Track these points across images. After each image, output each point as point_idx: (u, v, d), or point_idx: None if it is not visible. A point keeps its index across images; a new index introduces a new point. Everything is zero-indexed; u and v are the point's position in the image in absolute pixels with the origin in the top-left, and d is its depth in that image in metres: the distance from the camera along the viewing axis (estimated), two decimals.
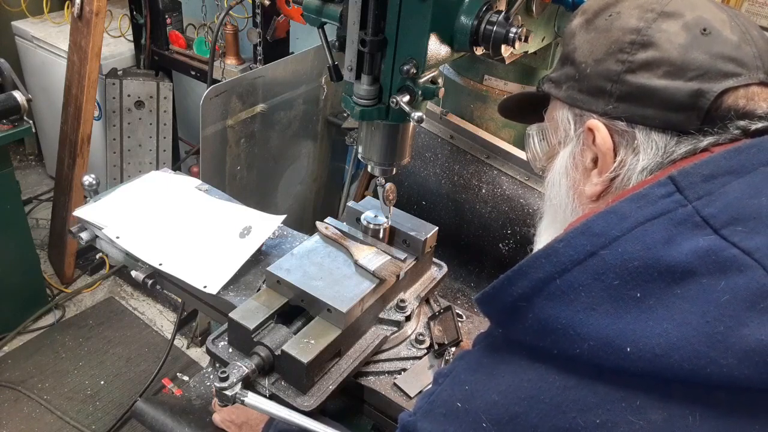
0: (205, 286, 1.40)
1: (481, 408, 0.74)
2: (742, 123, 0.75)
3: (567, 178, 0.87)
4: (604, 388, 0.66)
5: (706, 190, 0.69)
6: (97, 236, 1.58)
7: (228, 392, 1.09)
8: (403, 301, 1.35)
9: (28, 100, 2.51)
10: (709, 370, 0.61)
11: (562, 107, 0.87)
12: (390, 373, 1.29)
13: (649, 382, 0.65)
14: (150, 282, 1.48)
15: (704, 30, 0.76)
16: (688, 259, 0.65)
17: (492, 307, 0.77)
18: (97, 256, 3.50)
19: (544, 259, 0.71)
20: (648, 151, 0.78)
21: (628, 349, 0.64)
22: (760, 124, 0.75)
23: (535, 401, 0.69)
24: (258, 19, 2.77)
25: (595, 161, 0.83)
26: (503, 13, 0.99)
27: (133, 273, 1.48)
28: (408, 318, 1.34)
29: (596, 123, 0.81)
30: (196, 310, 3.14)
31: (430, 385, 0.87)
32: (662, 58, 0.76)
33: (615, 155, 0.80)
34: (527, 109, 1.00)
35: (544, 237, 0.94)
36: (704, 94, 0.74)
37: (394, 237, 1.41)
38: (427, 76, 1.08)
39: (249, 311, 1.23)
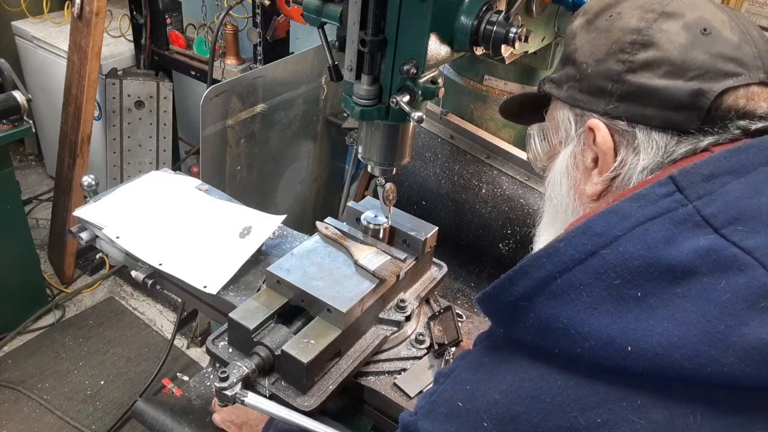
0: (205, 286, 1.40)
1: (482, 407, 0.74)
2: (742, 123, 0.75)
3: (568, 177, 0.88)
4: (605, 388, 0.67)
5: (706, 189, 0.69)
6: (97, 236, 1.58)
7: (228, 392, 1.09)
8: (403, 301, 1.35)
9: (28, 100, 2.51)
10: (710, 369, 0.62)
11: (563, 107, 0.87)
12: (390, 373, 1.29)
13: (650, 381, 0.65)
14: (150, 282, 1.48)
15: (704, 30, 0.77)
16: (688, 258, 0.65)
17: (493, 307, 0.77)
18: (97, 256, 3.50)
19: (545, 258, 0.71)
20: (648, 151, 0.78)
21: (629, 349, 0.64)
22: (760, 124, 0.75)
23: (536, 400, 0.69)
24: (258, 19, 2.77)
25: (596, 161, 0.83)
26: (503, 13, 0.99)
27: (133, 273, 1.48)
28: (408, 318, 1.34)
29: (597, 122, 0.81)
30: (196, 310, 3.14)
31: (431, 385, 0.87)
32: (663, 57, 0.76)
33: (615, 155, 0.80)
34: (528, 110, 1.00)
35: (544, 236, 0.95)
36: (704, 94, 0.75)
37: (394, 237, 1.41)
38: (427, 76, 1.08)
39: (249, 311, 1.23)
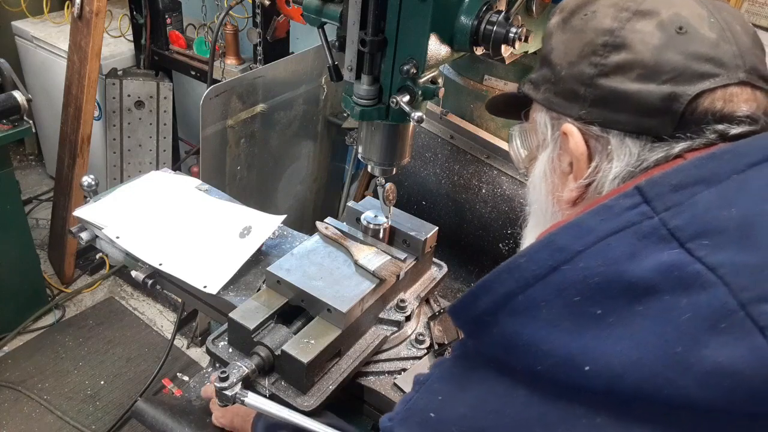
0: (205, 286, 1.40)
1: (452, 420, 0.73)
2: (720, 127, 0.72)
3: (546, 182, 0.86)
4: (565, 405, 0.65)
5: (674, 200, 0.66)
6: (97, 236, 1.58)
7: (228, 392, 1.09)
8: (403, 301, 1.35)
9: (28, 100, 2.51)
10: (666, 391, 0.60)
11: (541, 110, 0.85)
12: (390, 373, 1.29)
13: (611, 401, 0.63)
14: (150, 282, 1.48)
15: (680, 29, 0.73)
16: (650, 275, 0.62)
17: (461, 320, 0.76)
18: (97, 256, 3.49)
19: (507, 273, 0.69)
20: (621, 158, 0.75)
21: (587, 368, 0.62)
22: (739, 129, 0.72)
23: (501, 415, 0.69)
24: (258, 19, 2.76)
25: (572, 166, 0.81)
26: (503, 13, 0.99)
27: (133, 273, 1.48)
28: (408, 318, 1.34)
29: (570, 128, 0.78)
30: (196, 310, 3.14)
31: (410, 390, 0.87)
32: (635, 60, 0.73)
33: (590, 161, 0.78)
34: (513, 107, 0.98)
35: (528, 241, 0.93)
36: (678, 98, 0.71)
37: (394, 237, 1.41)
38: (427, 76, 1.08)
39: (249, 311, 1.23)
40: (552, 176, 0.85)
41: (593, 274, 0.64)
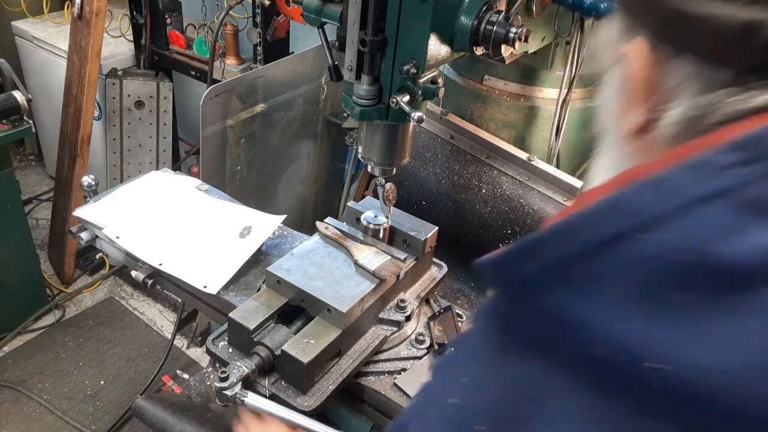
0: (205, 286, 1.40)
1: (479, 406, 0.62)
2: None
3: (612, 101, 0.72)
4: (617, 405, 0.53)
5: None
6: (97, 236, 1.58)
7: (228, 392, 1.09)
8: (403, 301, 1.35)
9: (28, 100, 2.51)
10: (761, 410, 0.47)
11: (616, 19, 0.70)
12: (390, 373, 1.29)
13: (679, 409, 0.50)
14: (150, 282, 1.48)
15: None
16: (752, 258, 0.49)
17: (499, 280, 0.63)
18: (97, 256, 3.49)
19: (565, 235, 0.56)
20: (688, 96, 0.60)
21: (652, 365, 0.50)
22: None
23: (537, 404, 0.57)
24: (258, 19, 2.77)
25: (637, 90, 0.66)
26: (503, 13, 0.99)
27: (133, 273, 1.48)
28: (408, 318, 1.34)
29: (636, 47, 0.64)
30: (196, 310, 3.14)
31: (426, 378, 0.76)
32: None
33: (654, 90, 0.63)
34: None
35: (596, 180, 0.75)
36: (761, 27, 0.54)
37: (394, 237, 1.41)
38: (427, 76, 1.08)
39: (249, 311, 1.23)
40: (618, 96, 0.71)
41: (675, 249, 0.51)
